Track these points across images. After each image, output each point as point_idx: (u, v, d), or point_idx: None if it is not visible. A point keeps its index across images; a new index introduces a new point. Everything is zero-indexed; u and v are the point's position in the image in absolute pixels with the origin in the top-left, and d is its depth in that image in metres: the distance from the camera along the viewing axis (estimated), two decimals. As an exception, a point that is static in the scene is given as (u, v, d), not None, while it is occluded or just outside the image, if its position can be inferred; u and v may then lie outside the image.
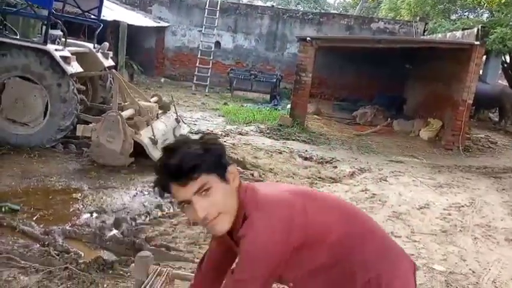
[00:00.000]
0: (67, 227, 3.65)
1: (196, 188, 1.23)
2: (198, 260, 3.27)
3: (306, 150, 7.36)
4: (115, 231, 3.64)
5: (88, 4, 6.99)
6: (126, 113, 5.48)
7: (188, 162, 1.21)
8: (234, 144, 7.04)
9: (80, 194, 4.44)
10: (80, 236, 3.55)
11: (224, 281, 1.44)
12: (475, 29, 9.02)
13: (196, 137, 1.37)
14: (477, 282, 3.50)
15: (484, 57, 13.42)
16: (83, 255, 3.22)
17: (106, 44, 6.74)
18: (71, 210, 4.09)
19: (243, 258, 1.29)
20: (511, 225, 4.97)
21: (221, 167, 1.27)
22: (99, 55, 6.51)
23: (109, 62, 6.68)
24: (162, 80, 14.74)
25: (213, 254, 1.56)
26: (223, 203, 1.26)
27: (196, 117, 9.44)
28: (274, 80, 13.28)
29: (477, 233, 4.59)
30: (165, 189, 1.28)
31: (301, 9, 23.98)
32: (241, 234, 1.28)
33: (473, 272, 3.69)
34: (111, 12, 11.00)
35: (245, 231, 1.27)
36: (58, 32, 6.18)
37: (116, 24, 11.20)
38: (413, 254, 3.84)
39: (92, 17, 7.04)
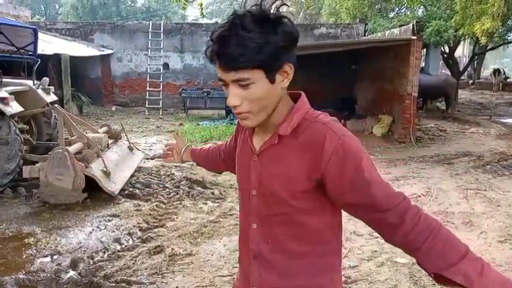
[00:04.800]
0: (21, 276, 3.45)
1: (235, 78, 1.10)
2: (161, 290, 3.20)
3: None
4: (72, 273, 3.48)
5: (23, 41, 6.78)
6: (74, 148, 5.30)
7: (237, 52, 1.07)
8: (192, 165, 6.96)
9: (32, 239, 4.22)
10: (35, 283, 3.37)
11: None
12: (411, 25, 9.41)
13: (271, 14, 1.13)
14: (439, 269, 3.59)
15: (424, 50, 14.06)
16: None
17: (46, 79, 6.52)
18: (24, 257, 3.88)
19: (354, 158, 1.12)
20: (467, 208, 5.14)
21: (274, 64, 1.11)
22: (40, 91, 6.28)
23: (51, 98, 6.46)
24: (113, 108, 14.45)
25: (229, 142, 1.63)
26: (259, 103, 1.13)
27: (151, 141, 9.28)
28: (228, 95, 13.26)
29: (435, 220, 4.72)
30: (211, 61, 1.14)
31: (246, 22, 24.27)
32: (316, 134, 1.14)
33: (435, 259, 3.78)
34: (50, 45, 10.72)
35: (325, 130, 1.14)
36: (-7, 73, 5.93)
37: (57, 57, 10.92)
38: (376, 251, 3.90)
39: (29, 53, 6.83)
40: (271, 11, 1.15)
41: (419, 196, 5.54)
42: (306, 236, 1.22)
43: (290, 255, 1.23)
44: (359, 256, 3.80)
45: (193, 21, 25.13)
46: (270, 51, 1.08)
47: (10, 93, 5.53)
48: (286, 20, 1.13)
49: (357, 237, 4.22)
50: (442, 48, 15.50)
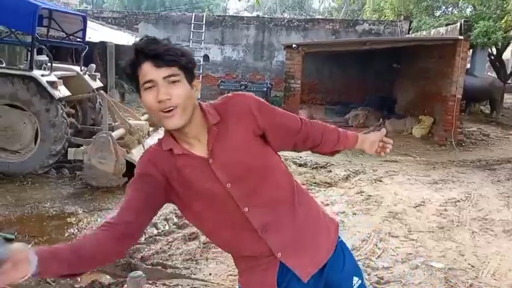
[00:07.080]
0: (63, 252, 3.63)
1: (167, 74, 1.30)
2: (195, 276, 3.28)
3: (301, 157, 7.35)
4: (110, 253, 3.62)
5: (72, 27, 7.02)
6: (117, 133, 5.47)
7: (171, 51, 1.32)
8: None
9: (74, 218, 4.42)
10: (76, 261, 3.52)
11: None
12: (458, 24, 9.10)
13: None
14: (476, 276, 3.50)
15: (470, 51, 13.55)
16: (79, 279, 3.19)
17: (93, 65, 6.76)
18: (66, 235, 4.07)
19: (274, 111, 1.50)
20: (508, 216, 4.97)
21: (191, 73, 1.37)
22: (86, 77, 6.52)
23: (96, 84, 6.69)
24: (153, 97, 14.76)
25: (132, 202, 1.39)
26: (184, 100, 1.32)
27: (188, 131, 9.44)
28: (265, 89, 13.30)
29: (474, 226, 4.59)
30: (136, 68, 1.33)
31: (287, 16, 24.16)
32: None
33: (472, 266, 3.68)
34: (97, 33, 11.04)
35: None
36: (44, 58, 6.20)
37: (103, 45, 11.25)
38: (411, 253, 3.84)
39: (78, 39, 7.07)
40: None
41: (458, 201, 5.39)
42: (279, 181, 1.48)
43: (282, 202, 1.46)
44: (393, 257, 3.75)
45: (235, 14, 25.26)
46: (186, 59, 1.34)
47: (59, 78, 5.77)
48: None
49: (392, 238, 4.16)
50: (489, 49, 14.91)
